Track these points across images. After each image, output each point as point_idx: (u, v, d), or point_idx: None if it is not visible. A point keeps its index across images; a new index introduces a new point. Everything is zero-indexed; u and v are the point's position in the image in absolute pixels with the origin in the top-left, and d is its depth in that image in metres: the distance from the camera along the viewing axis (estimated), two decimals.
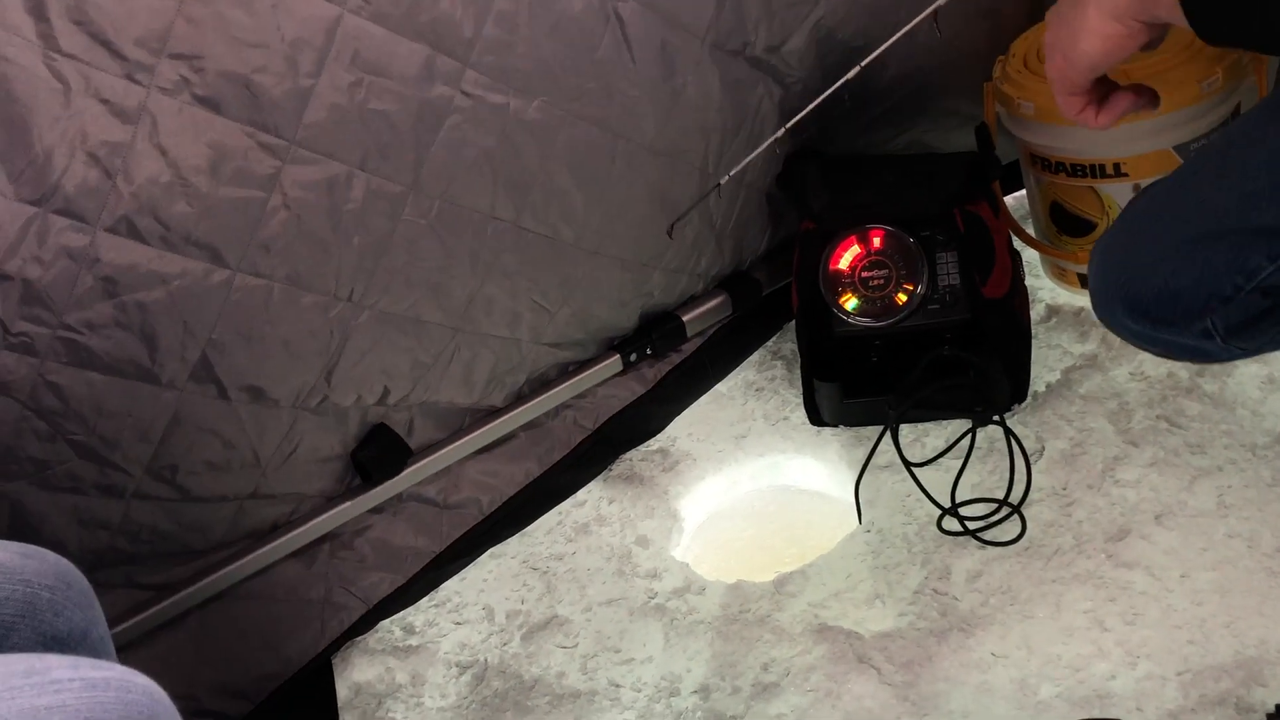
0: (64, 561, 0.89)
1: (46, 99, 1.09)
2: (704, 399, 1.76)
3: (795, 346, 1.72)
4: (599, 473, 1.67)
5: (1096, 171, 1.56)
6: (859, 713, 1.29)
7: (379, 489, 1.50)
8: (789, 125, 1.46)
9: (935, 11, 1.27)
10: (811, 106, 1.41)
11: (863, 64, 1.35)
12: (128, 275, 1.18)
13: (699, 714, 1.35)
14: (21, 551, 0.86)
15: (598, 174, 1.42)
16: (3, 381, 1.17)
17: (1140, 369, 1.57)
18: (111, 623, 1.30)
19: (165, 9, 1.10)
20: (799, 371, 1.69)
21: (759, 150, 1.51)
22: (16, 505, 1.23)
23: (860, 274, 1.59)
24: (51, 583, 0.86)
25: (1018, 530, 1.43)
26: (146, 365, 1.23)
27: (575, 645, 1.47)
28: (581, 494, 1.66)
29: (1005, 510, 1.45)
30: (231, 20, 1.13)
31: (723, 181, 1.50)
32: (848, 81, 1.35)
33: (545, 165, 1.38)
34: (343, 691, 1.46)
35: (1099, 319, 1.15)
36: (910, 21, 1.28)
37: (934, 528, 1.48)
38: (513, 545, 1.62)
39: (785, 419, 1.70)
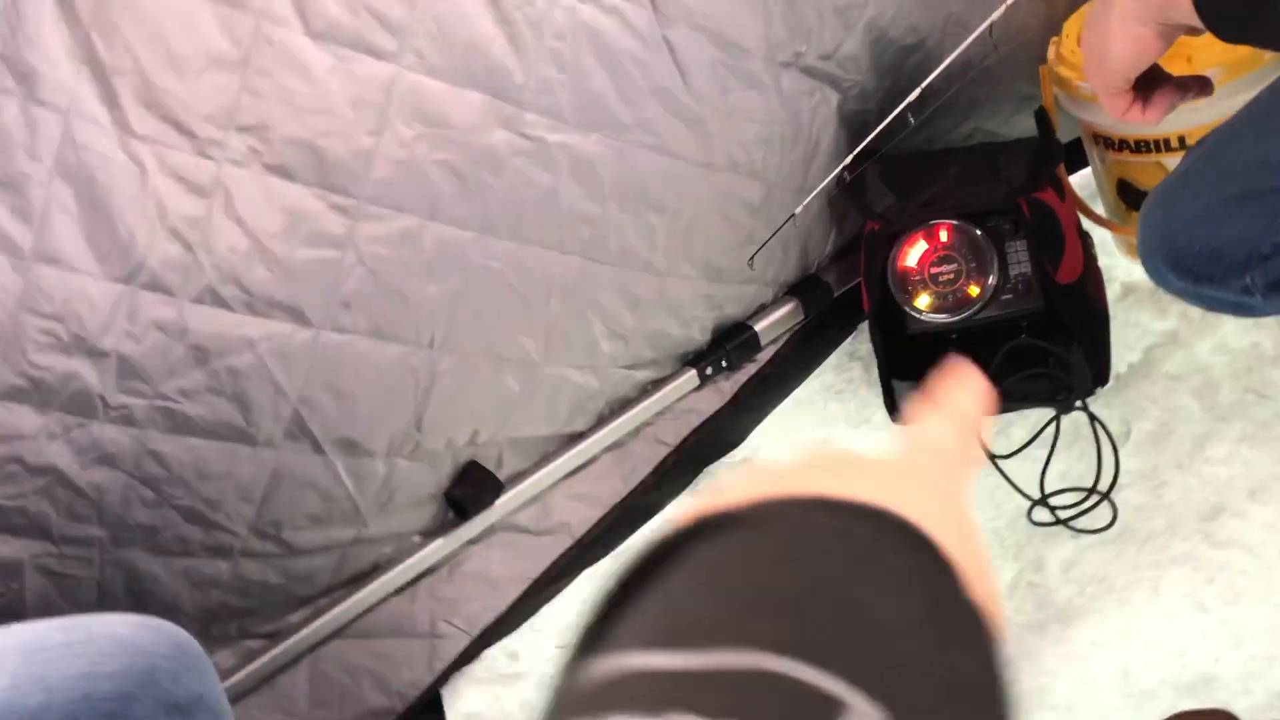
0: (179, 630, 0.93)
1: (124, 181, 1.14)
2: (784, 406, 1.76)
3: (871, 346, 1.72)
4: (685, 488, 1.69)
5: (1161, 146, 1.54)
6: None
7: (473, 522, 1.54)
8: (855, 152, 1.46)
9: (990, 26, 1.26)
10: (874, 134, 1.41)
11: (923, 85, 1.34)
12: (216, 342, 1.23)
13: None
14: (139, 624, 0.91)
15: (662, 198, 1.44)
16: (108, 453, 1.22)
17: (1223, 342, 1.55)
18: (228, 672, 1.37)
19: (229, 85, 1.15)
20: (876, 371, 1.69)
21: (828, 179, 1.51)
22: (131, 571, 1.29)
23: (930, 270, 1.58)
24: (169, 651, 0.90)
25: (1109, 517, 1.43)
26: (242, 426, 1.28)
27: None
28: (669, 510, 1.68)
29: (1095, 497, 1.44)
30: (293, 89, 1.17)
31: (797, 212, 1.50)
32: (910, 103, 1.35)
33: (609, 196, 1.40)
34: None
35: (1147, 274, 1.19)
36: (969, 35, 1.28)
37: (1024, 520, 1.47)
38: (605, 566, 1.65)
39: (867, 420, 1.71)
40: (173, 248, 1.18)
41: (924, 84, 1.37)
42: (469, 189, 1.30)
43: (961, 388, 0.50)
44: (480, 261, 1.34)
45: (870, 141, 1.45)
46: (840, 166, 1.51)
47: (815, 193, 1.50)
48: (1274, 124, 1.11)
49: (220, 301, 1.21)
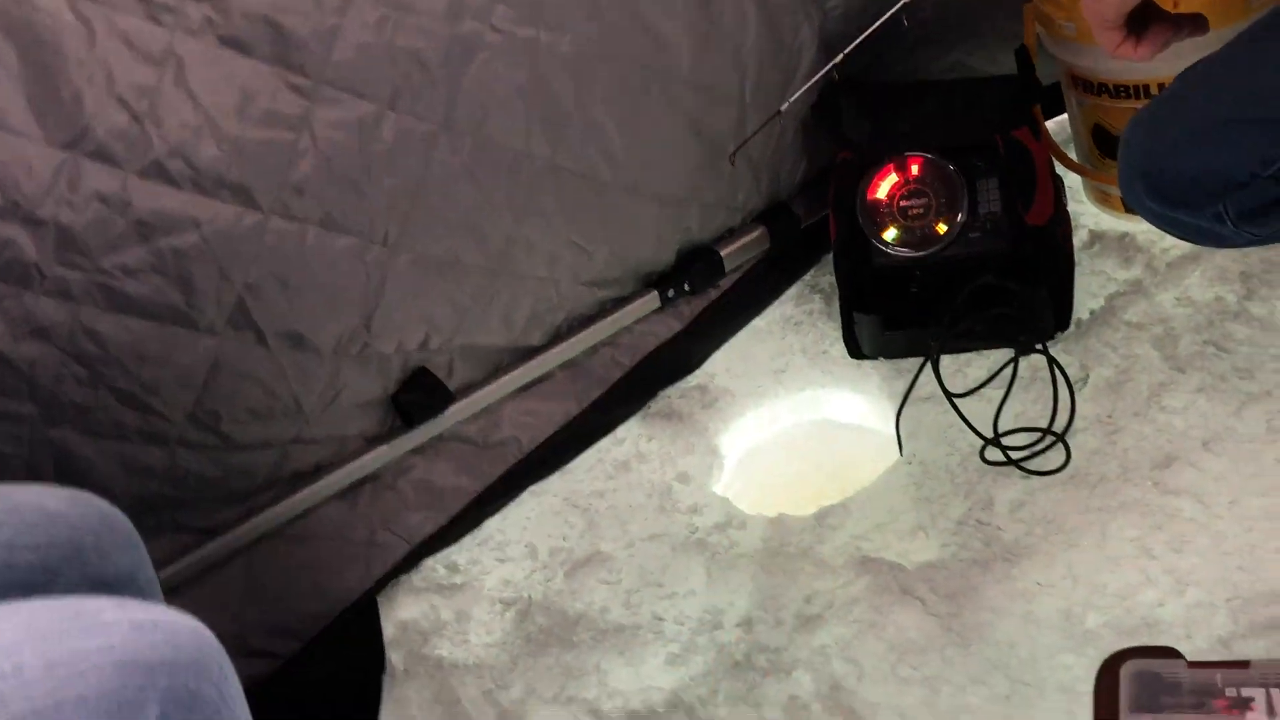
0: (108, 506, 0.89)
1: (72, 42, 1.09)
2: (742, 334, 1.74)
3: (834, 279, 1.69)
4: (638, 410, 1.67)
5: (1141, 92, 1.52)
6: (903, 643, 1.29)
7: (420, 430, 1.51)
8: (848, 50, 1.42)
9: None
10: (869, 32, 1.37)
11: None
12: (161, 219, 1.18)
13: (742, 646, 1.35)
14: (67, 497, 0.87)
15: (634, 109, 1.41)
16: (42, 327, 1.17)
17: (1186, 294, 1.54)
18: (159, 565, 1.32)
19: None
20: (838, 305, 1.67)
21: (818, 76, 1.48)
22: (62, 451, 1.24)
23: (899, 203, 1.56)
24: (97, 527, 0.86)
25: (1062, 459, 1.42)
26: (184, 310, 1.24)
27: (618, 581, 1.48)
28: (621, 431, 1.66)
29: (1049, 439, 1.43)
30: None
31: (783, 109, 1.46)
32: (906, 5, 1.31)
33: (580, 101, 1.36)
34: (389, 629, 1.48)
35: (1123, 197, 1.19)
36: None
37: (977, 458, 1.46)
38: (554, 483, 1.62)
39: (824, 353, 1.69)
40: (120, 117, 1.13)
41: None
42: (433, 80, 1.25)
43: None
44: (441, 157, 1.30)
45: (866, 37, 1.40)
46: (831, 64, 1.47)
47: (803, 89, 1.46)
48: (1262, 55, 1.10)
49: (167, 177, 1.17)
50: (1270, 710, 0.90)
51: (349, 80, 1.21)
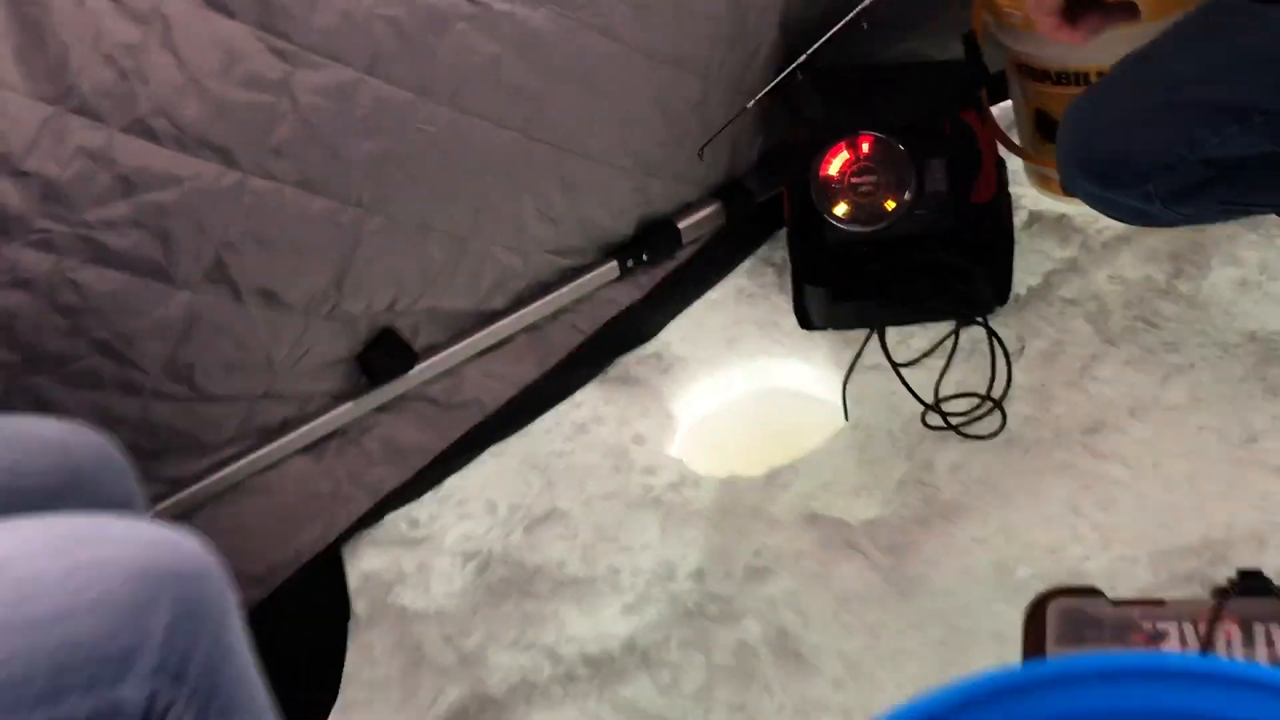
0: (102, 437, 0.94)
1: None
2: (697, 305, 1.80)
3: (786, 255, 1.76)
4: (595, 375, 1.72)
5: (1080, 79, 1.60)
6: (846, 594, 1.37)
7: (385, 389, 1.56)
8: (811, 51, 1.48)
9: None
10: (828, 36, 1.44)
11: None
12: (143, 175, 1.22)
13: (694, 596, 1.42)
14: (66, 428, 0.92)
15: (604, 82, 1.46)
16: (24, 278, 1.21)
17: (1119, 272, 1.63)
18: None
19: None
20: (789, 279, 1.74)
21: (782, 76, 1.54)
22: (38, 399, 1.28)
23: (850, 180, 1.63)
24: (94, 455, 0.91)
25: (998, 425, 1.50)
26: (162, 264, 1.28)
27: (575, 536, 1.54)
28: (579, 396, 1.71)
29: (987, 405, 1.51)
30: None
31: (749, 106, 1.53)
32: (865, 6, 1.38)
33: (551, 73, 1.41)
34: (353, 579, 1.53)
35: (1060, 177, 1.27)
36: None
37: (918, 423, 1.54)
38: (513, 444, 1.68)
39: (775, 324, 1.76)
40: (106, 73, 1.16)
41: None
42: (411, 48, 1.30)
43: None
44: (416, 124, 1.35)
45: (831, 36, 1.47)
46: (794, 64, 1.53)
47: (773, 84, 1.53)
48: (1192, 45, 1.18)
49: (150, 134, 1.21)
50: (1183, 642, 0.98)
51: (329, 46, 1.25)
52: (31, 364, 1.26)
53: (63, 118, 1.16)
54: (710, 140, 1.58)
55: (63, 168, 1.18)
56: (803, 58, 1.51)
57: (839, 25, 1.44)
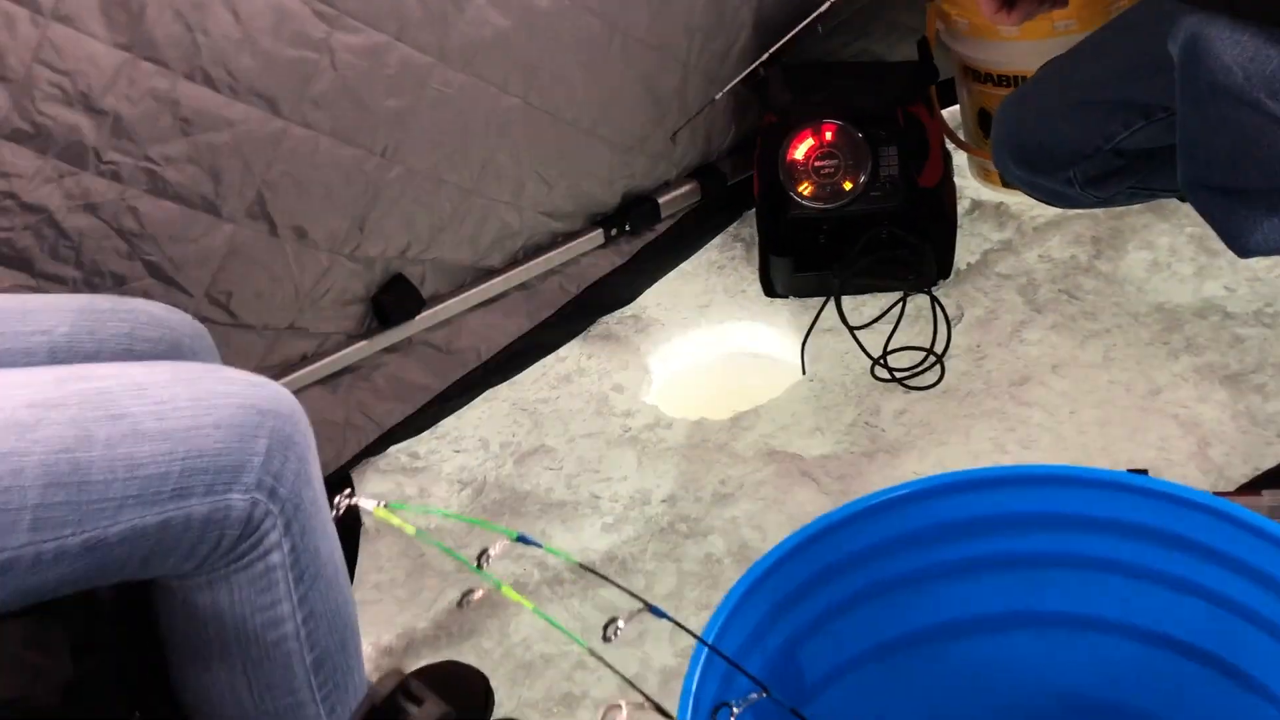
0: (193, 319, 1.12)
1: None
2: (672, 274, 2.00)
3: (753, 231, 1.96)
4: (580, 332, 1.91)
5: (1018, 82, 1.81)
6: (800, 515, 1.55)
7: (393, 331, 1.73)
8: (773, 49, 1.68)
9: None
10: (791, 35, 1.64)
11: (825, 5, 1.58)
12: (201, 117, 1.40)
13: (666, 517, 1.60)
14: (168, 309, 1.09)
15: (597, 61, 1.66)
16: (93, 203, 1.38)
17: (1048, 252, 1.84)
18: None
19: None
20: (756, 252, 1.93)
21: (745, 72, 1.75)
22: None
23: (814, 163, 1.83)
24: (191, 330, 1.09)
25: (936, 377, 1.70)
26: (212, 198, 1.45)
27: (560, 468, 1.72)
28: (564, 350, 1.90)
29: (929, 360, 1.71)
30: None
31: (717, 97, 1.73)
32: (821, 14, 1.58)
33: (553, 49, 1.60)
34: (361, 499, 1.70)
35: (994, 164, 1.45)
36: None
37: (868, 377, 1.74)
38: (504, 390, 1.86)
39: (743, 292, 1.95)
40: (176, 27, 1.34)
41: (824, 6, 1.61)
42: (434, 18, 1.49)
43: None
44: (435, 86, 1.54)
45: (787, 41, 1.68)
46: (757, 62, 1.74)
47: (736, 80, 1.73)
48: (1107, 49, 1.38)
49: (209, 81, 1.38)
50: None
51: (366, 12, 1.44)
52: (92, 282, 1.42)
53: (135, 64, 1.33)
54: (684, 125, 1.78)
55: (133, 107, 1.35)
56: (764, 57, 1.72)
57: (796, 29, 1.64)
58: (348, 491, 0.85)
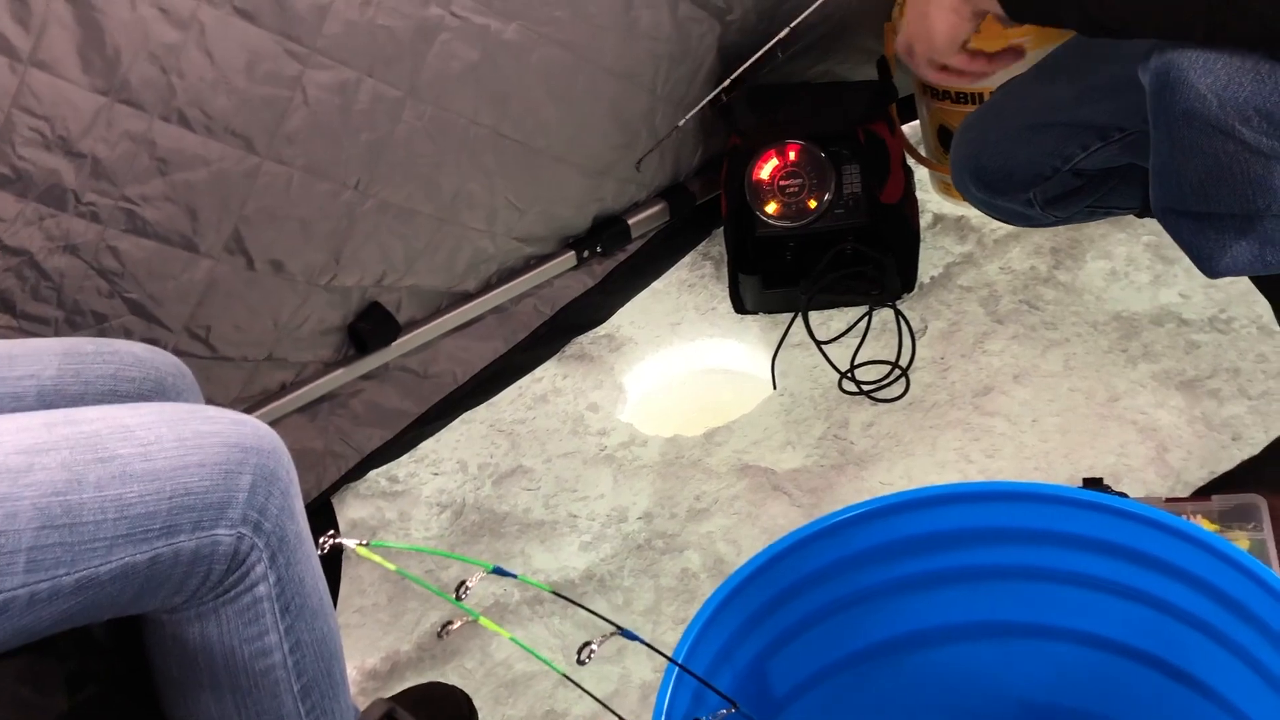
0: (176, 358, 1.15)
1: (118, 5, 1.33)
2: (644, 293, 2.04)
3: (723, 249, 2.01)
4: (555, 352, 1.95)
5: (977, 99, 1.86)
6: (774, 528, 1.59)
7: (371, 358, 1.77)
8: (734, 76, 1.71)
9: None
10: (749, 63, 1.67)
11: (792, 25, 1.61)
12: (177, 157, 1.43)
13: (643, 534, 1.64)
14: (150, 348, 1.13)
15: (566, 90, 1.70)
16: (73, 244, 1.41)
17: (1008, 264, 1.89)
18: None
19: None
20: (725, 270, 1.98)
21: (709, 97, 1.79)
22: None
23: (779, 183, 1.88)
24: (173, 370, 1.13)
25: (902, 390, 1.74)
26: (189, 235, 1.48)
27: (538, 487, 1.75)
28: (539, 370, 1.94)
29: (895, 373, 1.76)
30: None
31: (680, 124, 1.77)
32: (780, 40, 1.62)
33: (521, 80, 1.64)
34: (342, 525, 1.73)
35: (954, 186, 1.48)
36: None
37: (836, 390, 1.78)
38: (481, 412, 1.89)
39: (713, 309, 2.00)
40: (151, 69, 1.37)
41: (793, 23, 1.65)
42: (404, 54, 1.53)
43: None
44: (406, 119, 1.57)
45: (746, 68, 1.72)
46: (719, 89, 1.78)
47: (698, 107, 1.77)
48: (1059, 74, 1.40)
49: (185, 122, 1.42)
50: None
51: (336, 50, 1.47)
52: (74, 320, 1.45)
53: (113, 107, 1.37)
54: (647, 154, 1.82)
55: (111, 149, 1.38)
56: (727, 83, 1.75)
57: (757, 54, 1.68)
58: (331, 533, 0.89)
